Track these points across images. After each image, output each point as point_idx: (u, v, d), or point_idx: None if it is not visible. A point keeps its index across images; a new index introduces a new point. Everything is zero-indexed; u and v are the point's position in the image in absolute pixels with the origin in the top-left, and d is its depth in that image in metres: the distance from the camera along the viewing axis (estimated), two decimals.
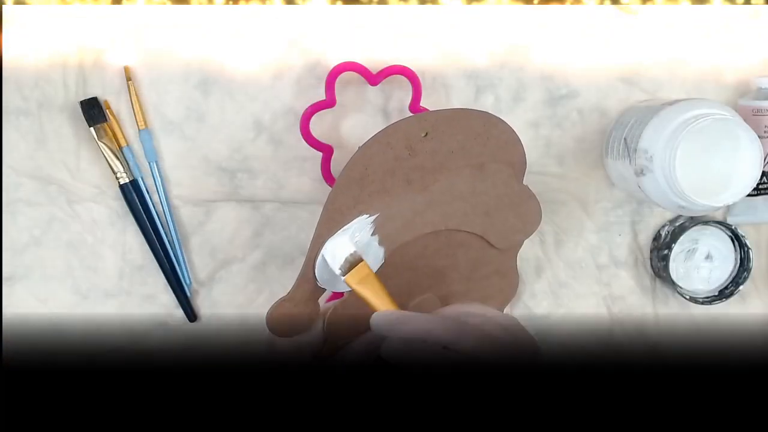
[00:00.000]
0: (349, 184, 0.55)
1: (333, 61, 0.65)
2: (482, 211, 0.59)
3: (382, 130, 0.56)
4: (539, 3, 0.67)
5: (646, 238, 0.72)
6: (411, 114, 0.64)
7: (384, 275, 0.58)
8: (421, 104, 0.65)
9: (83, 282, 0.67)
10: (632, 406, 0.72)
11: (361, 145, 0.56)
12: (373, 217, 0.56)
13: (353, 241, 0.56)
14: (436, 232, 0.59)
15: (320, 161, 0.64)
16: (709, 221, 0.70)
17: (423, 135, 0.56)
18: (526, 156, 0.61)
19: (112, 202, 0.66)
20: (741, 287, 0.71)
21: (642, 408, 0.73)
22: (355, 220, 0.56)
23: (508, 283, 0.65)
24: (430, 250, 0.59)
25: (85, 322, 0.67)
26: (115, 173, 0.65)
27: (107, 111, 0.65)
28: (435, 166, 0.57)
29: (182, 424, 0.69)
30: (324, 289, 0.58)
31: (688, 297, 0.70)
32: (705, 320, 0.74)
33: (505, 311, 0.65)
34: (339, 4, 0.65)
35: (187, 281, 0.68)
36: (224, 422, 0.69)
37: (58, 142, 0.65)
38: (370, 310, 0.58)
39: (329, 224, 0.56)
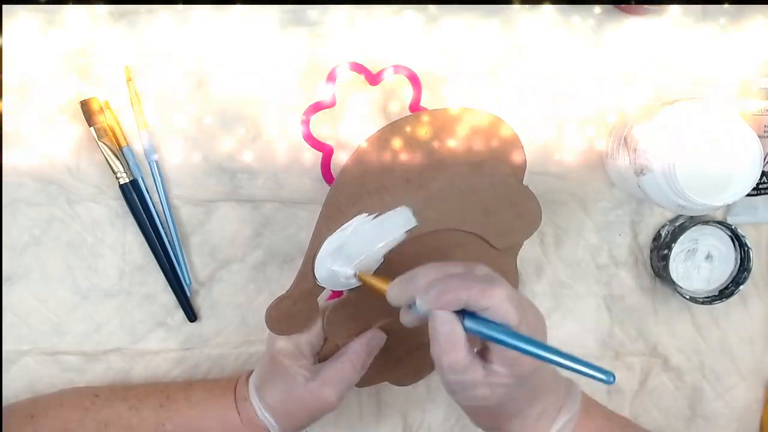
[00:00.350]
0: (348, 183, 0.56)
1: (333, 61, 0.65)
2: (481, 211, 0.59)
3: (382, 128, 0.56)
4: (540, 3, 0.67)
5: (646, 238, 0.72)
6: (411, 113, 0.65)
7: (382, 275, 0.59)
8: (421, 104, 0.65)
9: (83, 282, 0.67)
10: None
11: (360, 143, 0.56)
12: (373, 216, 0.56)
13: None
14: (435, 231, 0.59)
15: (320, 161, 0.64)
16: (709, 221, 0.70)
17: (423, 134, 0.56)
18: (527, 155, 0.61)
19: (112, 202, 0.66)
20: (741, 287, 0.70)
21: None
22: (354, 219, 0.56)
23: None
24: (428, 250, 0.59)
25: (85, 322, 0.68)
26: (115, 173, 0.65)
27: (107, 111, 0.65)
28: (433, 164, 0.57)
29: None
30: (323, 288, 0.58)
31: (688, 297, 0.70)
32: (705, 320, 0.74)
33: None
34: (340, 4, 0.65)
35: (187, 281, 0.68)
36: None
37: (58, 142, 0.65)
38: (369, 308, 0.58)
39: (328, 222, 0.56)
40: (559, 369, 0.50)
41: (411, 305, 0.51)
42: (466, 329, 0.49)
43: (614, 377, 0.47)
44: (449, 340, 0.48)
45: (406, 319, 0.53)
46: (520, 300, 0.50)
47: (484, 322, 0.48)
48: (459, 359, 0.48)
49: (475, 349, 0.50)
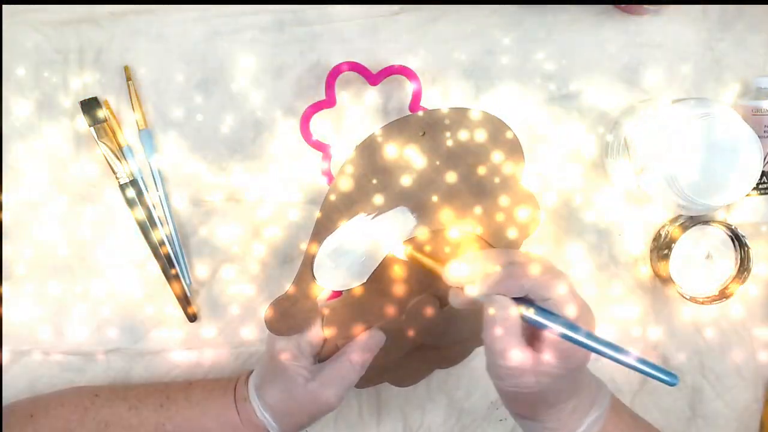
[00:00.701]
0: (346, 183, 0.56)
1: (333, 61, 0.65)
2: (480, 211, 0.59)
3: (380, 128, 0.56)
4: (539, 3, 0.67)
5: (646, 238, 0.72)
6: (410, 113, 0.65)
7: (381, 275, 0.59)
8: (421, 104, 0.65)
9: (83, 282, 0.67)
10: None
11: (358, 144, 0.56)
12: (371, 216, 0.56)
13: None
14: (434, 231, 0.59)
15: (320, 161, 0.64)
16: (709, 221, 0.70)
17: (421, 134, 0.56)
18: (526, 156, 0.61)
19: (112, 202, 0.67)
20: (741, 287, 0.70)
21: None
22: (352, 219, 0.56)
23: None
24: (428, 250, 0.59)
25: (85, 322, 0.68)
26: (115, 173, 0.65)
27: (107, 111, 0.65)
28: (432, 165, 0.57)
29: None
30: (322, 288, 0.58)
31: (688, 297, 0.70)
32: (705, 320, 0.74)
33: None
34: (339, 4, 0.65)
35: (187, 281, 0.68)
36: None
37: (58, 142, 0.65)
38: (368, 308, 0.58)
39: (327, 223, 0.56)
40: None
41: (465, 287, 0.51)
42: (523, 318, 0.48)
43: (678, 379, 0.47)
44: (505, 326, 0.48)
45: (457, 300, 0.53)
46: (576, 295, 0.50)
47: (543, 312, 0.48)
48: (512, 346, 0.49)
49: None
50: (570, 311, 0.48)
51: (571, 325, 0.48)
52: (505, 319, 0.48)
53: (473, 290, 0.50)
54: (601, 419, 0.55)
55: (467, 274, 0.51)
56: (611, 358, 0.48)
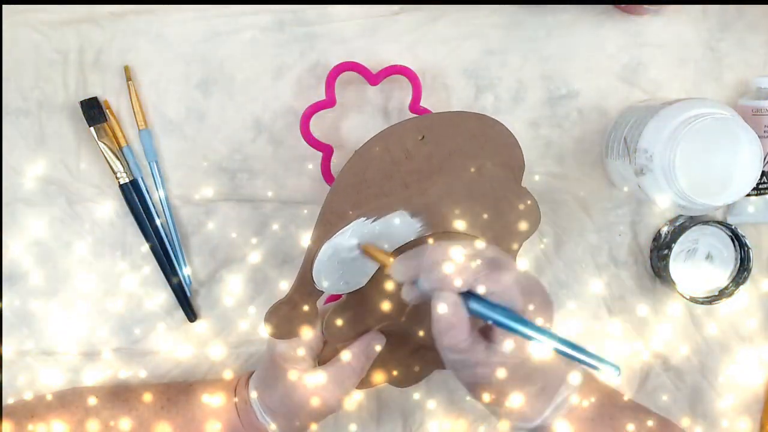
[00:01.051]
0: (346, 188, 0.56)
1: (333, 61, 0.65)
2: (480, 214, 0.59)
3: (379, 133, 0.56)
4: (539, 3, 0.67)
5: (646, 238, 0.72)
6: (411, 114, 0.65)
7: (381, 278, 0.59)
8: (421, 104, 0.65)
9: (83, 282, 0.67)
10: None
11: (357, 148, 0.56)
12: (371, 220, 0.56)
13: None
14: (435, 234, 0.59)
15: (320, 161, 0.64)
16: (709, 221, 0.70)
17: (420, 138, 0.56)
18: (526, 156, 0.61)
19: (112, 202, 0.67)
20: (741, 287, 0.70)
21: None
22: (352, 223, 0.56)
23: None
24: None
25: (85, 322, 0.68)
26: (115, 173, 0.65)
27: (107, 111, 0.65)
28: (432, 168, 0.57)
29: None
30: (322, 291, 0.58)
31: (688, 297, 0.70)
32: (705, 320, 0.74)
33: None
34: (339, 4, 0.65)
35: (187, 281, 0.68)
36: None
37: (58, 142, 0.65)
38: (368, 310, 0.58)
39: (326, 227, 0.56)
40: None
41: (415, 282, 0.51)
42: (470, 311, 0.49)
43: (619, 370, 0.47)
44: (451, 321, 0.48)
45: (409, 295, 0.53)
46: (529, 283, 0.50)
47: (488, 305, 0.49)
48: (460, 340, 0.49)
49: (478, 329, 0.50)
50: (514, 302, 0.48)
51: (513, 317, 0.48)
52: (451, 314, 0.49)
53: (419, 286, 0.50)
54: (568, 401, 0.55)
55: (412, 269, 0.51)
56: (554, 348, 0.48)
